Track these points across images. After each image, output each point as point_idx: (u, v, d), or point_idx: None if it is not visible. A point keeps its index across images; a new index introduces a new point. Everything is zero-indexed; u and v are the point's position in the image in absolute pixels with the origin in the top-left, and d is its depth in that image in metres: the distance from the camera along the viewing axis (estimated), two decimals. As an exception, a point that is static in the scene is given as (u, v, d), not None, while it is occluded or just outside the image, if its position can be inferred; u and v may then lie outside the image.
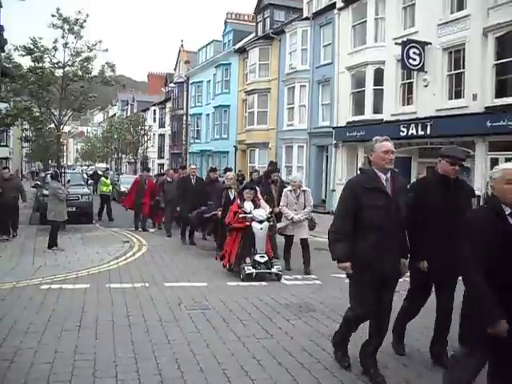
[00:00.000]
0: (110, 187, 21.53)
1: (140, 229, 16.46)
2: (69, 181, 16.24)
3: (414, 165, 20.52)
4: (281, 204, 10.45)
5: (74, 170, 50.43)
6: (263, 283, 9.11)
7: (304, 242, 10.27)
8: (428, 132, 18.72)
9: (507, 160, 16.34)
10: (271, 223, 9.88)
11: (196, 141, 42.65)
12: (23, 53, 16.99)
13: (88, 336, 6.03)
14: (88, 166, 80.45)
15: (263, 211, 9.75)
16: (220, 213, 11.31)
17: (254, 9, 34.69)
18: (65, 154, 78.37)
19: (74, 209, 16.72)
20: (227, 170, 15.41)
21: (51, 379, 4.77)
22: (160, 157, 56.75)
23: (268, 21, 32.53)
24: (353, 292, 4.96)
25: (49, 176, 17.49)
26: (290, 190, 10.32)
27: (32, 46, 16.96)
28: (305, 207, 10.27)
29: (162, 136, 54.89)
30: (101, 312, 7.02)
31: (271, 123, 30.81)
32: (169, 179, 16.10)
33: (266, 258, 9.41)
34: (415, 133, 19.31)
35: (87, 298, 7.76)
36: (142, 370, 5.02)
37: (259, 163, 29.43)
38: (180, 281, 9.19)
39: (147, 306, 7.38)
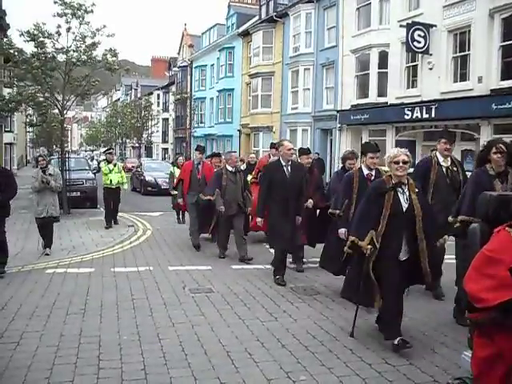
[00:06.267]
0: (121, 176, 14.02)
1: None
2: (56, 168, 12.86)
3: (418, 148, 20.44)
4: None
5: (78, 155, 50.66)
6: (267, 266, 8.72)
7: None
8: (433, 115, 18.61)
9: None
10: None
11: (200, 125, 42.57)
12: (28, 38, 16.91)
13: (93, 319, 6.08)
14: (92, 151, 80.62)
15: None
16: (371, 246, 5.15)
17: (258, -9, 34.48)
18: (69, 139, 78.48)
19: (79, 193, 16.80)
20: (305, 151, 9.19)
21: (56, 362, 4.81)
22: (164, 141, 56.77)
23: (272, 4, 32.27)
24: None
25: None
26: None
27: (36, 32, 16.85)
28: None
29: (165, 120, 54.81)
30: (105, 295, 7.07)
31: (275, 107, 30.70)
32: (230, 168, 9.82)
33: None
34: (420, 116, 19.22)
35: (92, 282, 7.80)
36: (147, 352, 5.06)
37: (263, 147, 29.36)
38: (184, 264, 9.20)
39: (151, 290, 7.41)
